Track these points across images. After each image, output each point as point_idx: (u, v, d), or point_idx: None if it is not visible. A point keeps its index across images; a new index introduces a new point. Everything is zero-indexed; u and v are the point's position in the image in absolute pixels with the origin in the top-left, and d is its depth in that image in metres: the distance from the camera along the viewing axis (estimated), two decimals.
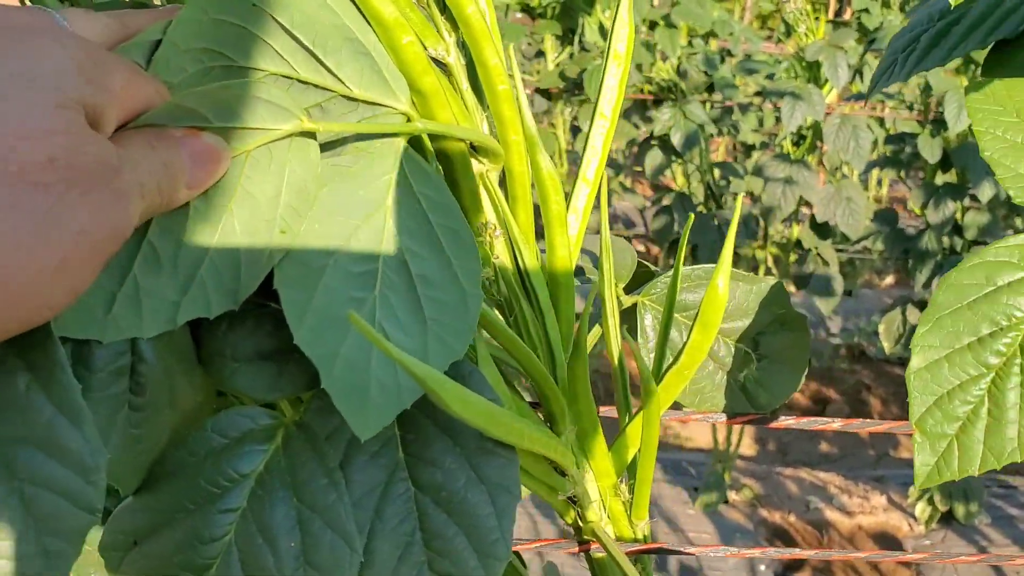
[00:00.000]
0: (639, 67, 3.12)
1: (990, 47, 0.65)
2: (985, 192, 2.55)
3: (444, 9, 0.43)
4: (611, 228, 4.50)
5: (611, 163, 3.57)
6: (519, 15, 3.30)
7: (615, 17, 0.51)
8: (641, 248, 4.62)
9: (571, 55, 3.12)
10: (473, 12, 0.42)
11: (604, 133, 0.52)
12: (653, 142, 2.96)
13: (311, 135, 0.39)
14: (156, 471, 0.41)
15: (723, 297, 0.50)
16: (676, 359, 0.52)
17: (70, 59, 0.31)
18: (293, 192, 0.38)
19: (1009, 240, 0.46)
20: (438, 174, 0.42)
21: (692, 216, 0.54)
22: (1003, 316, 0.44)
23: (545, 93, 3.08)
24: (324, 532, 0.39)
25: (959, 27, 0.67)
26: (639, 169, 3.35)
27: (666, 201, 3.06)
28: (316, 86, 0.39)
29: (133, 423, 0.38)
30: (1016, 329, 0.44)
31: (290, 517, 0.40)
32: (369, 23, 0.40)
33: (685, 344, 0.51)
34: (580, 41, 3.10)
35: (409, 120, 0.41)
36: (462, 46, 0.45)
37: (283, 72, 0.39)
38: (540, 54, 3.53)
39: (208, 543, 0.39)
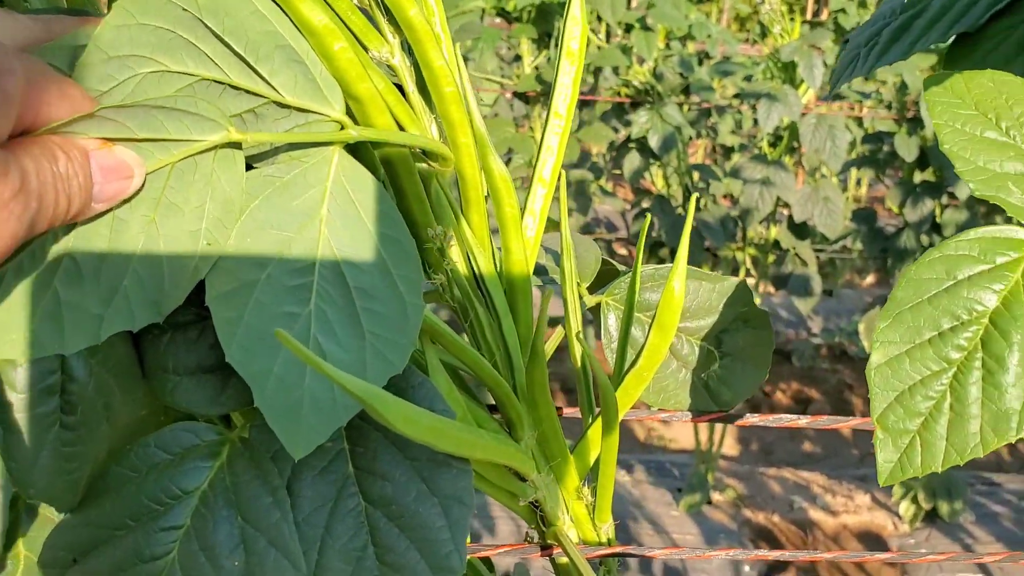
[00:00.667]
0: (615, 70, 3.12)
1: (952, 41, 0.65)
2: (963, 189, 2.56)
3: (388, 11, 0.42)
4: (593, 232, 4.51)
5: (591, 167, 3.57)
6: (497, 20, 3.30)
7: (567, 15, 0.50)
8: (623, 252, 4.62)
9: (548, 58, 3.11)
10: (415, 14, 0.41)
11: (559, 132, 0.51)
12: (631, 145, 2.96)
13: (237, 146, 0.38)
14: (96, 487, 0.40)
15: (679, 299, 0.49)
16: (635, 361, 0.51)
17: None
18: (218, 204, 0.37)
19: (969, 234, 0.45)
20: (380, 181, 0.41)
21: (649, 218, 0.53)
22: (964, 310, 0.43)
23: (523, 97, 3.07)
24: (268, 551, 0.38)
25: (920, 21, 0.66)
26: (619, 172, 3.35)
27: (646, 204, 3.06)
28: (249, 92, 0.38)
29: (65, 441, 0.37)
30: (977, 323, 0.43)
31: (234, 536, 0.39)
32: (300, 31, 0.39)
33: (643, 346, 0.50)
34: (556, 45, 3.09)
35: (343, 128, 0.39)
36: (408, 48, 0.44)
37: (215, 77, 0.38)
38: (518, 58, 3.52)
39: (150, 561, 0.38)
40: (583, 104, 3.07)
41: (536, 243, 0.51)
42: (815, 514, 2.75)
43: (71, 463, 0.38)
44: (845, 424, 0.60)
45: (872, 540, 2.67)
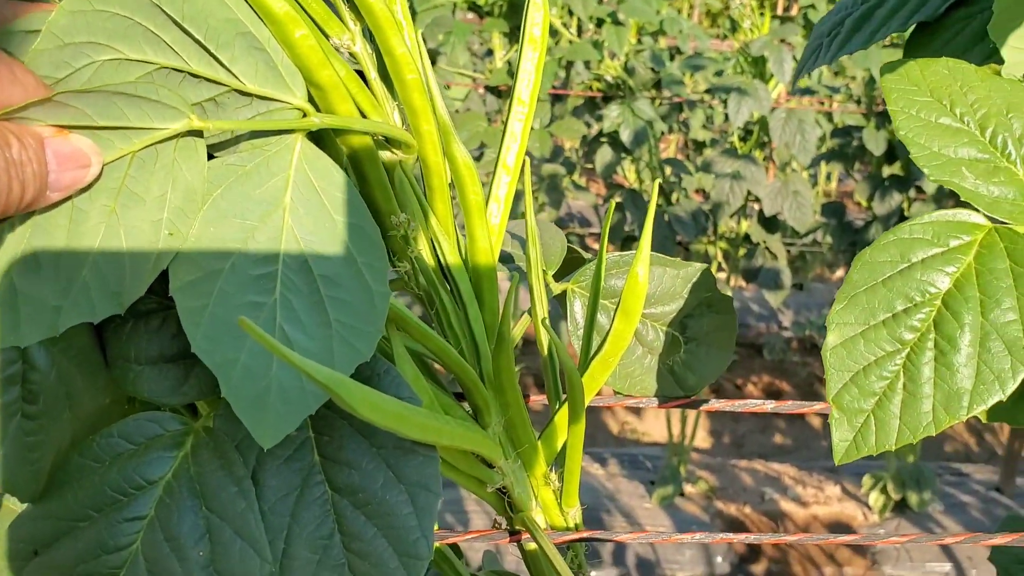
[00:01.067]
0: (587, 65, 3.13)
1: (912, 30, 0.66)
2: (930, 183, 2.60)
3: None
4: (566, 227, 4.52)
5: (564, 161, 3.58)
6: (469, 15, 3.29)
7: (528, 2, 0.50)
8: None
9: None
10: (375, 1, 0.41)
11: (523, 119, 0.51)
12: (603, 139, 2.97)
13: (199, 135, 0.37)
14: (58, 477, 0.39)
15: (643, 285, 0.49)
16: (600, 347, 0.51)
17: None
18: (180, 193, 0.37)
19: (923, 218, 0.46)
20: (342, 169, 0.41)
21: (613, 203, 0.54)
22: (917, 292, 0.44)
23: (495, 91, 3.07)
24: (234, 541, 0.38)
25: (881, 10, 0.67)
26: (592, 167, 3.35)
27: (618, 198, 3.07)
28: (209, 80, 0.38)
29: (27, 431, 0.37)
30: (930, 305, 0.44)
31: (199, 526, 0.38)
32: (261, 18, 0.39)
33: (608, 332, 0.51)
34: None
35: (305, 115, 0.39)
36: (369, 35, 0.44)
37: (175, 65, 0.37)
38: (490, 53, 3.52)
39: (113, 552, 0.38)
40: (555, 99, 3.08)
41: (501, 230, 0.51)
42: (786, 505, 2.77)
43: (33, 453, 0.38)
44: (810, 408, 0.61)
45: (842, 531, 2.70)
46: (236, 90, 0.39)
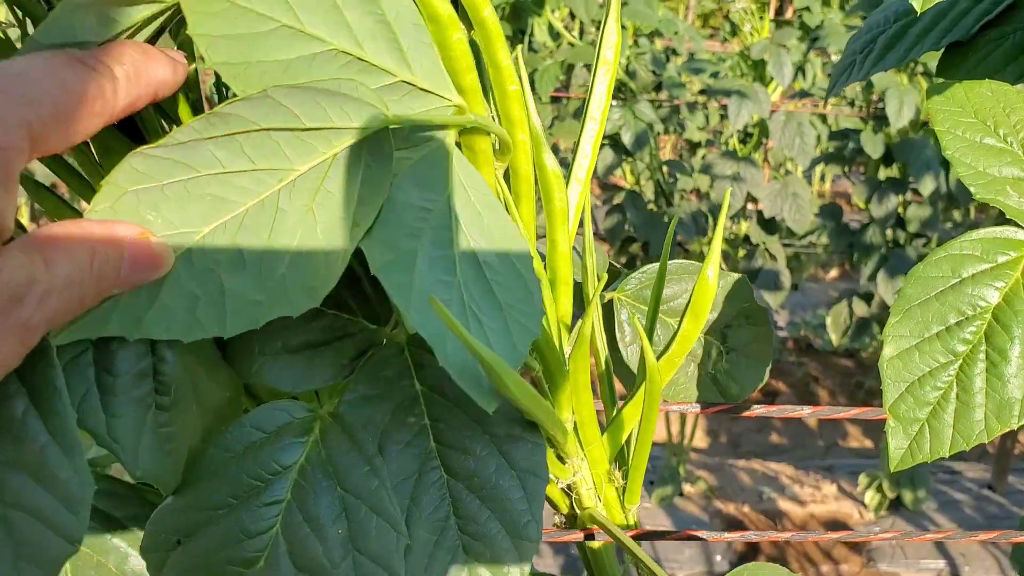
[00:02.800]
0: (588, 67, 3.16)
1: (944, 49, 0.70)
2: (926, 186, 2.64)
3: (460, 9, 0.44)
4: None
5: (562, 162, 3.60)
6: None
7: (604, 25, 0.53)
8: None
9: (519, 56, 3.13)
10: (489, 15, 0.43)
11: (594, 136, 0.55)
12: (604, 141, 3.00)
13: (386, 129, 0.38)
14: (195, 470, 0.41)
15: (713, 287, 0.52)
16: (667, 348, 0.55)
17: None
18: (368, 187, 0.38)
19: (972, 234, 0.50)
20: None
21: (676, 218, 0.58)
22: (969, 306, 0.47)
23: None
24: (370, 518, 0.40)
25: (915, 29, 0.71)
26: None
27: (617, 200, 3.11)
28: (381, 69, 0.39)
29: (162, 422, 0.39)
30: (981, 318, 0.47)
31: (335, 505, 0.40)
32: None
33: (676, 332, 0.54)
34: (530, 42, 3.13)
35: (462, 113, 0.41)
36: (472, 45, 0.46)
37: (345, 49, 0.38)
38: None
39: (254, 536, 0.40)
40: (554, 100, 3.11)
41: (571, 238, 0.55)
42: (784, 504, 2.82)
43: (170, 443, 0.40)
44: (847, 414, 0.64)
45: (839, 528, 2.75)
46: (404, 82, 0.39)
